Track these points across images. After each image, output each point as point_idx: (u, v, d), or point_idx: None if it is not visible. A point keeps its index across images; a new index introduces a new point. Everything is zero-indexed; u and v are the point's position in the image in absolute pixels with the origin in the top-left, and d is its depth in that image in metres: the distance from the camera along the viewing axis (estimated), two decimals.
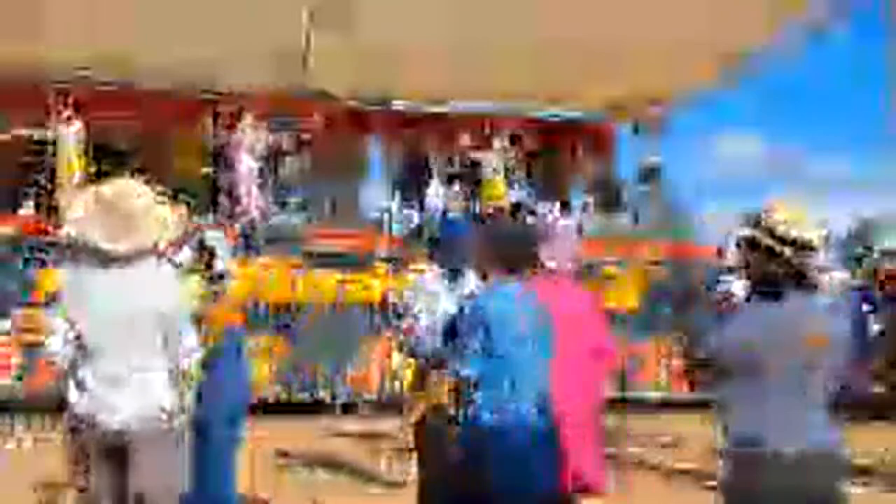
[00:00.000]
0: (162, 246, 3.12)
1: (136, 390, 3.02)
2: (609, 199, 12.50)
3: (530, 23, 8.91)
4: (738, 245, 2.75)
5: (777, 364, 2.55)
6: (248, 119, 10.65)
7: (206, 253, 4.33)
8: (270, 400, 8.60)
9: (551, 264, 3.64)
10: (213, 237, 4.42)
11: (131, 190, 3.16)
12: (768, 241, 2.62)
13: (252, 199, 10.28)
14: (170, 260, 3.25)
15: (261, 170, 10.54)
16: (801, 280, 2.63)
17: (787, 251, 2.61)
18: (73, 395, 3.07)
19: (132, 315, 3.03)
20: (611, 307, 9.81)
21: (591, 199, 12.78)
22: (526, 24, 8.94)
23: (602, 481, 3.75)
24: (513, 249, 3.19)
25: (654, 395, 9.61)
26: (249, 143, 10.48)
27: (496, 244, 3.22)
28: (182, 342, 3.13)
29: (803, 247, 2.62)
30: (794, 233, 2.61)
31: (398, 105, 12.75)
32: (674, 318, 9.47)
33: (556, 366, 3.32)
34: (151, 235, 3.06)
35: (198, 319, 4.25)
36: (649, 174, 12.64)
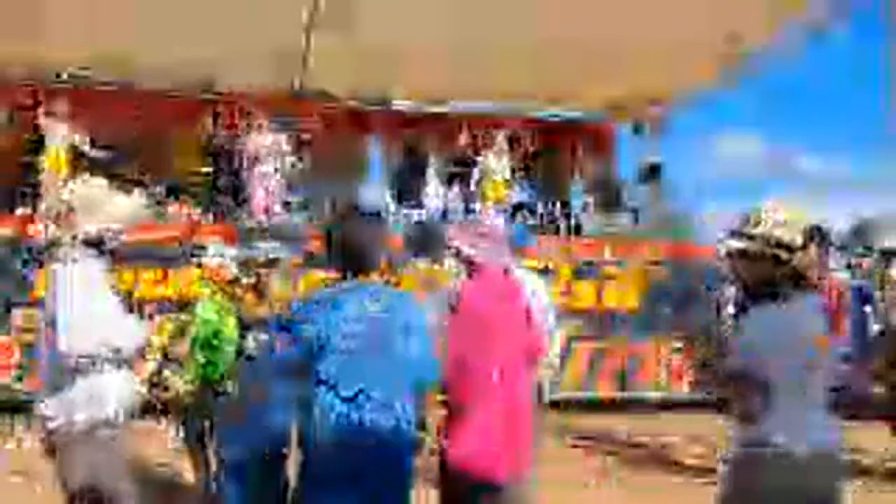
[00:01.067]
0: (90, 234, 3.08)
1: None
2: (609, 199, 12.49)
3: (530, 23, 8.90)
4: (728, 255, 2.73)
5: (778, 365, 2.55)
6: (256, 121, 10.65)
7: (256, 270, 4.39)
8: None
9: (479, 260, 3.66)
10: (273, 248, 4.49)
11: (74, 186, 3.18)
12: (774, 251, 2.61)
13: (260, 201, 10.28)
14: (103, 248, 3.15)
15: (268, 172, 10.53)
16: (800, 281, 2.63)
17: (792, 257, 2.60)
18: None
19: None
20: (611, 307, 9.84)
21: (591, 199, 12.77)
22: (526, 24, 8.93)
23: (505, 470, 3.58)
24: (355, 248, 2.95)
25: (654, 395, 9.61)
26: (257, 145, 10.46)
27: (342, 243, 2.98)
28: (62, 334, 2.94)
29: (795, 249, 2.62)
30: (787, 238, 2.61)
31: (398, 105, 12.74)
32: (674, 318, 9.47)
33: (469, 362, 3.37)
34: (82, 225, 3.07)
35: (240, 321, 4.35)
36: (649, 174, 12.62)
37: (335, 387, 2.81)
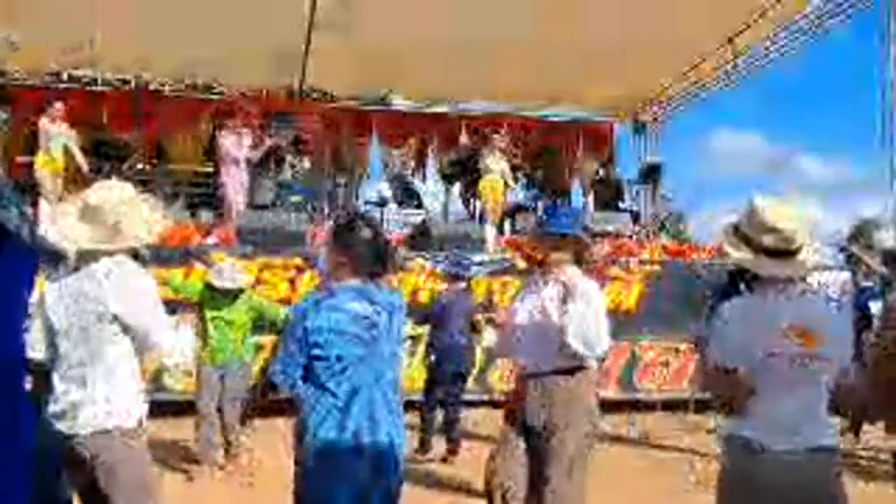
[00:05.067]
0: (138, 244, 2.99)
1: None
2: (609, 198, 12.50)
3: (530, 23, 8.91)
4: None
5: (753, 355, 2.52)
6: (238, 119, 10.53)
7: None
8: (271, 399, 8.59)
9: None
10: None
11: (114, 192, 3.03)
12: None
13: (232, 200, 9.97)
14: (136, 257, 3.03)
15: (251, 170, 10.36)
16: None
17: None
18: None
19: None
20: (611, 307, 9.83)
21: (590, 199, 12.78)
22: (526, 24, 8.94)
23: None
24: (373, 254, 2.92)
25: (654, 395, 9.60)
26: (239, 143, 10.23)
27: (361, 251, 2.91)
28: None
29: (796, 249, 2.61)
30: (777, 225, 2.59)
31: (398, 105, 12.76)
32: (674, 318, 9.45)
33: None
34: (134, 236, 2.90)
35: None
36: (649, 174, 12.63)
37: (328, 387, 2.79)
